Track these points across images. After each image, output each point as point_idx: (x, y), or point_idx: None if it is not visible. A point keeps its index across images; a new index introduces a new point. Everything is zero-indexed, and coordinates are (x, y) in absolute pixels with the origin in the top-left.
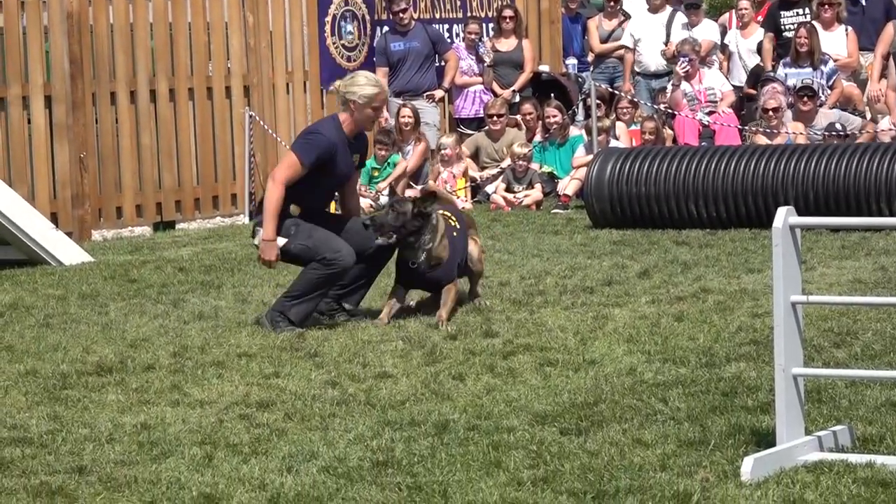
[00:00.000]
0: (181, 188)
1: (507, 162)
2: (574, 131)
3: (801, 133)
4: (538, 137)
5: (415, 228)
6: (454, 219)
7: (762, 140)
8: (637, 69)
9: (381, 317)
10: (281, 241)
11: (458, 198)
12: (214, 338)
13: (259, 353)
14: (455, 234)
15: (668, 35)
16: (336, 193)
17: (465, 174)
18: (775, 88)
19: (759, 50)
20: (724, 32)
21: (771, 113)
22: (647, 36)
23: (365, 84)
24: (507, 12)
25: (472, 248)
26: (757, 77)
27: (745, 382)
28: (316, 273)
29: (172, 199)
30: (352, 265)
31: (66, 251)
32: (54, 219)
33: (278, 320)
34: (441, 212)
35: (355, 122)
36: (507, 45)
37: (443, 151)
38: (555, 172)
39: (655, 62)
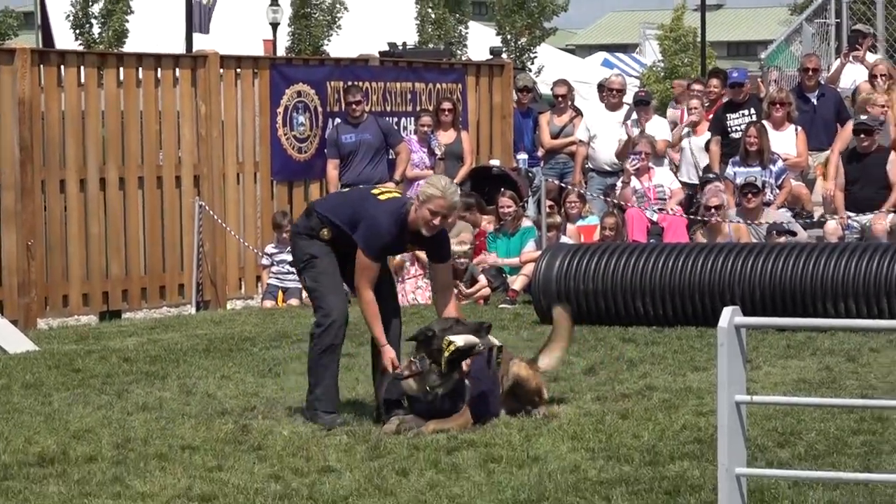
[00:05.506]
0: (128, 277)
1: None
2: (526, 222)
3: (743, 228)
4: (490, 227)
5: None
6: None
7: (702, 239)
8: (591, 165)
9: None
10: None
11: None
12: (158, 429)
13: (202, 445)
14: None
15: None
16: None
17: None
18: (717, 186)
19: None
20: (673, 129)
21: (713, 210)
22: (603, 133)
23: (432, 185)
24: (446, 105)
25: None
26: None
27: (689, 481)
28: (313, 351)
29: (119, 288)
30: (343, 323)
31: (11, 339)
32: None
33: (318, 416)
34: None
35: (415, 218)
36: (446, 137)
37: None
38: (503, 268)
39: (609, 159)
